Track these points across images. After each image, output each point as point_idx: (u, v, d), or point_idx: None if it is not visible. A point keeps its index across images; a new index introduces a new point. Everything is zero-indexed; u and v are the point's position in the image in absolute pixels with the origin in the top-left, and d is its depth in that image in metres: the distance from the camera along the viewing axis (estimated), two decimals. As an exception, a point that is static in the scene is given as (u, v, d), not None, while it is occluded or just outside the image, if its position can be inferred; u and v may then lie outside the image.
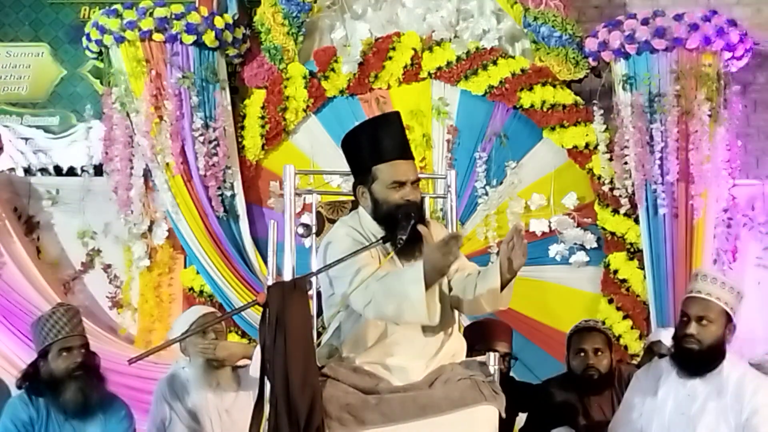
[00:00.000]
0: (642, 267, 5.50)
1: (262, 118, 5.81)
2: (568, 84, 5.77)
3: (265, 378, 2.90)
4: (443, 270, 2.83)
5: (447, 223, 3.81)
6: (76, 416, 3.68)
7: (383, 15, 6.03)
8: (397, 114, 3.21)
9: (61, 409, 3.67)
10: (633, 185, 5.49)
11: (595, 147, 5.63)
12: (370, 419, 2.86)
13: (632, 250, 5.55)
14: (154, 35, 5.59)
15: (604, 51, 5.58)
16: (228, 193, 5.71)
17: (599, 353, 4.19)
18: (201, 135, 5.62)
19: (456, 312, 3.21)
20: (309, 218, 3.86)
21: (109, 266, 5.88)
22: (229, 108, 5.79)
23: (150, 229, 5.77)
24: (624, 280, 5.52)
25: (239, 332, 5.64)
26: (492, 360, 3.22)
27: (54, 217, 5.92)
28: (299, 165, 5.06)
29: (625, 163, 5.50)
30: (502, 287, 2.90)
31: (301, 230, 3.76)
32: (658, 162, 5.42)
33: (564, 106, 5.67)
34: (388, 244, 3.03)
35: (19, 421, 3.67)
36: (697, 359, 3.40)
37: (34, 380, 3.74)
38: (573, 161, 5.71)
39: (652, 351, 4.49)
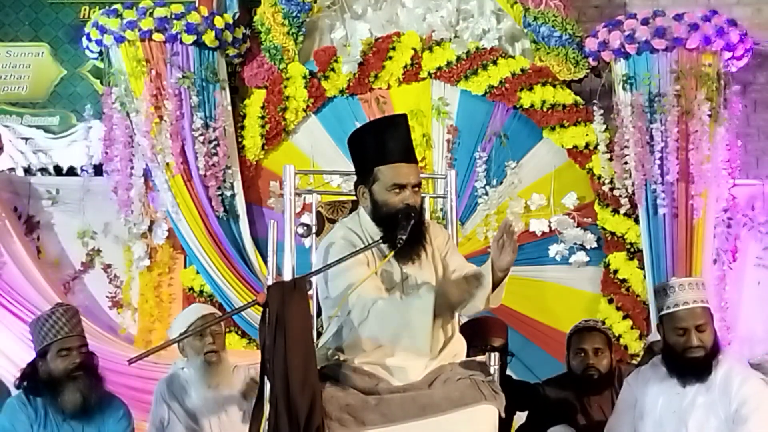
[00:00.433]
0: (642, 267, 5.50)
1: (262, 118, 5.81)
2: (568, 84, 5.77)
3: (265, 378, 2.91)
4: (454, 306, 2.90)
5: (447, 223, 3.81)
6: (74, 417, 3.68)
7: (383, 15, 6.03)
8: (404, 117, 3.20)
9: (60, 410, 3.67)
10: (633, 185, 5.49)
11: (595, 147, 5.63)
12: (370, 419, 2.87)
13: (632, 250, 5.55)
14: (154, 35, 5.59)
15: (604, 51, 5.58)
16: (228, 193, 5.71)
17: (599, 353, 4.19)
18: (201, 135, 5.62)
19: (456, 315, 3.22)
20: (309, 218, 3.86)
21: (109, 266, 5.87)
22: (229, 108, 5.79)
23: (150, 229, 5.77)
24: (624, 280, 5.53)
25: (239, 332, 5.64)
26: (492, 360, 3.22)
27: (54, 216, 5.92)
28: (299, 165, 5.06)
29: (625, 163, 5.50)
30: (495, 285, 2.90)
31: (301, 230, 3.75)
32: (658, 162, 5.42)
33: (564, 106, 5.67)
34: (385, 246, 3.02)
35: (18, 421, 3.67)
36: (704, 363, 3.45)
37: (32, 380, 3.74)
38: (573, 161, 5.71)
39: (652, 351, 4.48)
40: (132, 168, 5.71)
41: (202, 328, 3.87)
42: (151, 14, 5.57)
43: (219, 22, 5.64)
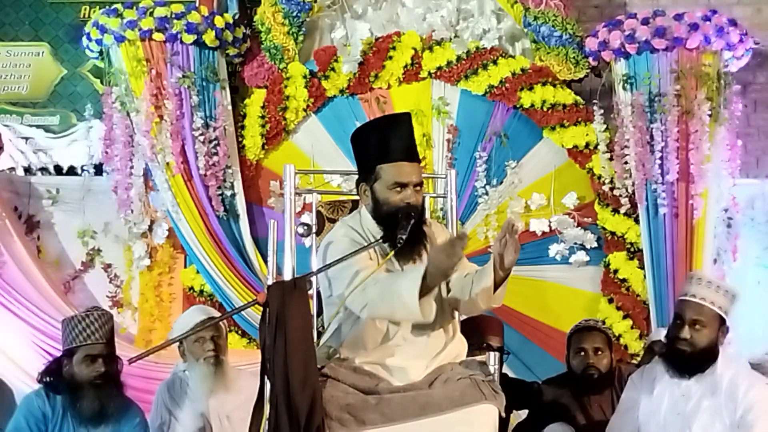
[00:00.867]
0: (642, 267, 5.50)
1: (263, 117, 5.81)
2: (568, 84, 5.77)
3: (265, 378, 2.91)
4: (447, 271, 2.83)
5: (447, 223, 3.81)
6: (91, 422, 3.68)
7: (383, 14, 6.03)
8: (407, 115, 3.20)
9: (77, 414, 3.67)
10: (633, 185, 5.49)
11: (595, 147, 5.63)
12: (370, 419, 2.87)
13: (632, 249, 5.55)
14: (154, 35, 5.59)
15: (604, 51, 5.58)
16: (228, 193, 5.71)
17: (599, 353, 4.20)
18: (201, 134, 5.62)
19: (456, 315, 3.22)
20: (309, 218, 3.86)
21: (109, 266, 5.88)
22: (230, 107, 5.79)
23: (150, 228, 5.77)
24: (624, 280, 5.53)
25: (239, 332, 5.64)
26: (492, 359, 3.23)
27: (54, 216, 5.92)
28: (299, 164, 5.06)
29: (625, 162, 5.50)
30: (497, 286, 2.90)
31: (301, 230, 3.76)
32: (658, 162, 5.42)
33: (564, 106, 5.67)
34: (386, 245, 3.02)
35: (32, 417, 3.67)
36: (689, 361, 3.43)
37: (55, 377, 3.73)
38: (573, 161, 5.71)
39: (652, 351, 4.49)
40: (132, 167, 5.71)
41: (198, 331, 3.85)
42: (151, 14, 5.57)
43: (219, 21, 5.64)
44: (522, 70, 5.72)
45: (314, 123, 5.93)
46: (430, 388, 2.97)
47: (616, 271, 5.55)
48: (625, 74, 5.55)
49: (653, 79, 5.46)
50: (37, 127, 6.46)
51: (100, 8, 6.05)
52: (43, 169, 6.29)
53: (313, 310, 3.40)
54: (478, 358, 3.22)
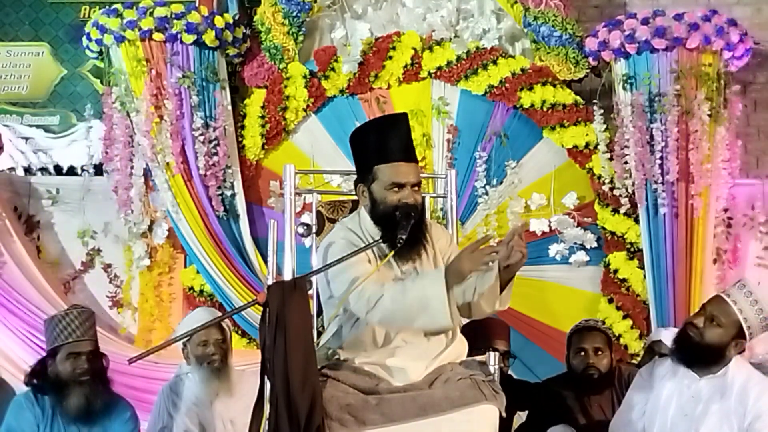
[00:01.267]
0: (642, 267, 5.50)
1: (262, 117, 5.81)
2: (568, 84, 5.77)
3: (265, 378, 2.90)
4: (465, 275, 2.84)
5: (447, 223, 3.81)
6: (79, 420, 3.68)
7: (383, 14, 6.03)
8: (404, 116, 3.19)
9: (64, 412, 3.67)
10: (633, 185, 5.49)
11: (595, 147, 5.63)
12: (370, 419, 2.86)
13: (632, 249, 5.55)
14: (154, 35, 5.59)
15: (604, 51, 5.58)
16: (228, 193, 5.71)
17: (599, 353, 4.19)
18: (201, 134, 5.62)
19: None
20: (309, 218, 3.85)
21: (109, 266, 5.88)
22: (230, 107, 5.79)
23: (150, 228, 5.77)
24: (624, 280, 5.53)
25: (239, 332, 5.64)
26: (492, 359, 3.22)
27: (54, 216, 5.93)
28: (299, 164, 5.06)
29: (626, 162, 5.50)
30: (502, 288, 2.90)
31: (301, 230, 3.76)
32: (658, 161, 5.42)
33: (564, 106, 5.67)
34: (384, 246, 3.02)
35: (24, 419, 3.67)
36: (692, 350, 3.40)
37: (41, 378, 3.73)
38: (573, 161, 5.71)
39: (652, 351, 4.50)
40: (132, 168, 5.71)
41: (198, 331, 3.83)
42: (151, 14, 5.57)
43: (219, 21, 5.64)
44: (522, 70, 5.72)
45: (314, 123, 5.93)
46: (430, 388, 2.97)
47: (616, 271, 5.55)
48: (625, 74, 5.55)
49: (653, 79, 5.46)
50: (37, 127, 6.47)
51: (100, 8, 6.06)
52: (43, 169, 6.29)
53: (313, 310, 3.39)
54: (478, 358, 3.21)
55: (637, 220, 5.53)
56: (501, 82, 5.71)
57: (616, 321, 5.47)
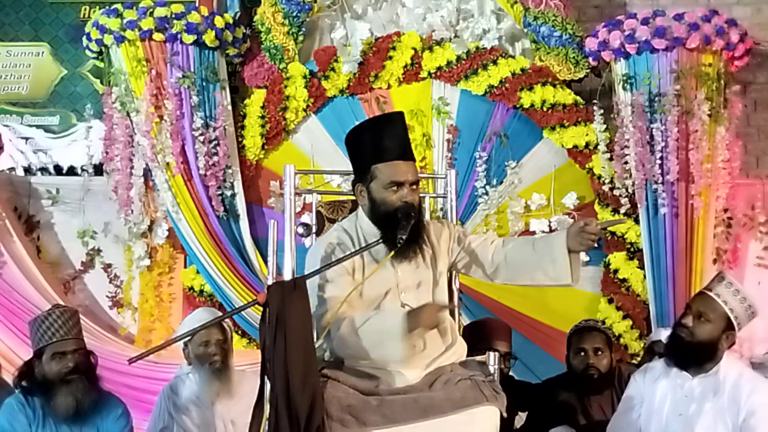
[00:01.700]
0: (642, 267, 5.50)
1: (262, 117, 5.81)
2: (568, 84, 5.77)
3: (265, 378, 2.90)
4: (422, 325, 2.91)
5: (447, 223, 3.80)
6: (69, 418, 3.67)
7: (383, 15, 6.03)
8: (400, 114, 3.19)
9: (53, 412, 3.66)
10: (633, 185, 5.50)
11: (595, 147, 5.63)
12: (371, 420, 2.86)
13: (632, 249, 5.55)
14: (154, 35, 5.59)
15: (604, 51, 5.58)
16: (228, 193, 5.71)
17: (599, 353, 4.19)
18: (201, 135, 5.62)
19: (457, 316, 3.21)
20: (309, 218, 3.85)
21: (109, 266, 5.88)
22: (230, 107, 5.79)
23: (150, 228, 5.77)
24: (624, 280, 5.53)
25: (239, 332, 5.64)
26: (492, 359, 3.22)
27: (54, 216, 5.93)
28: (299, 164, 5.06)
29: (626, 162, 5.50)
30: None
31: (301, 230, 3.75)
32: (658, 161, 5.42)
33: (564, 106, 5.67)
34: (384, 247, 3.02)
35: (16, 421, 3.67)
36: (685, 350, 3.40)
37: (29, 380, 3.73)
38: (573, 161, 5.72)
39: (652, 351, 4.49)
40: (132, 168, 5.71)
41: (198, 331, 3.83)
42: (151, 14, 5.57)
43: (219, 21, 5.64)
44: (522, 70, 5.72)
45: (314, 123, 5.93)
46: (430, 389, 2.97)
47: (616, 271, 5.55)
48: (625, 74, 5.55)
49: (653, 79, 5.46)
50: (37, 127, 6.47)
51: (100, 8, 6.06)
52: (43, 169, 6.29)
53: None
54: (478, 358, 3.21)
55: (637, 220, 5.53)
56: (501, 82, 5.71)
57: (616, 321, 5.47)
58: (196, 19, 5.59)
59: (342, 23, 6.06)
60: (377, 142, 3.05)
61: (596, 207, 5.65)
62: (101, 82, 6.04)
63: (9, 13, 6.58)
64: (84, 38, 5.79)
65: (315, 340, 2.94)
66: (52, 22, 6.58)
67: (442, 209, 4.85)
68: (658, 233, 5.44)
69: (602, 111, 5.64)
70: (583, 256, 5.60)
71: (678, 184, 5.41)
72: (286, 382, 2.78)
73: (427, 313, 2.88)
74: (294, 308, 2.84)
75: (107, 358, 4.44)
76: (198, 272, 5.70)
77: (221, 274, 5.59)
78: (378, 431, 2.86)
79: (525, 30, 5.85)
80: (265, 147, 5.85)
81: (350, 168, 5.21)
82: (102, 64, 5.91)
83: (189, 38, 5.60)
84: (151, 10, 5.58)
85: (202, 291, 5.71)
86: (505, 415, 2.98)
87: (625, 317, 5.50)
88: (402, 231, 2.93)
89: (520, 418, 4.48)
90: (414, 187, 3.03)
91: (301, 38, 5.91)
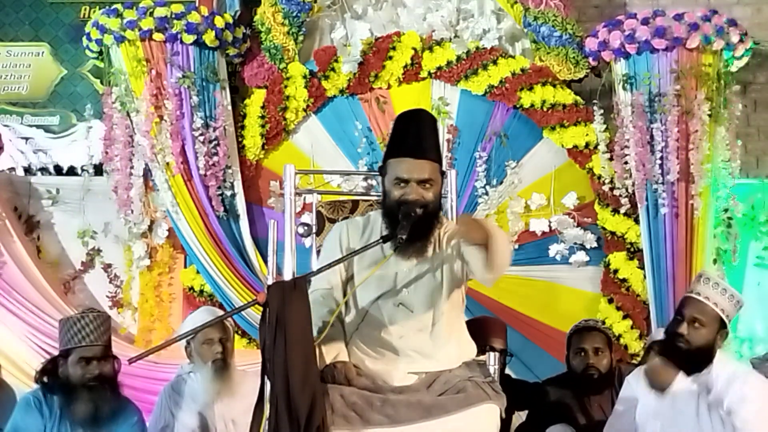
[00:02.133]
0: (642, 267, 5.50)
1: (262, 117, 5.81)
2: (568, 84, 5.77)
3: (265, 378, 2.90)
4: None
5: (447, 223, 3.80)
6: (86, 423, 3.68)
7: (383, 15, 6.03)
8: (424, 113, 3.17)
9: (70, 415, 3.66)
10: (633, 185, 5.50)
11: (595, 147, 5.63)
12: (375, 419, 2.86)
13: (632, 249, 5.55)
14: (154, 35, 5.59)
15: (604, 51, 5.58)
16: (228, 193, 5.71)
17: (599, 353, 4.20)
18: (201, 135, 5.62)
19: (462, 318, 3.21)
20: (309, 218, 3.86)
21: (109, 266, 5.88)
22: (230, 108, 5.79)
23: (150, 228, 5.77)
24: (624, 280, 5.53)
25: (239, 332, 5.64)
26: (492, 360, 3.22)
27: (54, 216, 5.93)
28: (299, 165, 5.06)
29: (626, 162, 5.50)
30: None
31: (301, 230, 3.76)
32: (658, 161, 5.42)
33: (564, 106, 5.67)
34: (388, 244, 3.02)
35: (30, 417, 3.67)
36: (684, 358, 3.41)
37: (51, 378, 3.73)
38: (573, 161, 5.71)
39: (652, 351, 4.49)
40: (132, 168, 5.70)
41: (198, 331, 3.83)
42: (151, 14, 5.57)
43: (219, 21, 5.64)
44: (522, 70, 5.72)
45: (314, 123, 5.93)
46: (428, 389, 2.97)
47: (616, 271, 5.55)
48: (625, 74, 5.55)
49: (653, 79, 5.46)
50: (37, 127, 6.47)
51: (100, 8, 6.06)
52: (43, 169, 6.29)
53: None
54: (478, 358, 3.21)
55: (637, 220, 5.53)
56: (501, 82, 5.71)
57: (616, 321, 5.47)
58: (196, 19, 5.59)
59: (342, 23, 6.06)
60: (395, 137, 3.08)
61: (596, 207, 5.64)
62: (101, 82, 6.04)
63: (9, 13, 6.58)
64: (84, 38, 5.79)
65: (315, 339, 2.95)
66: (52, 22, 6.58)
67: (442, 209, 4.87)
68: (658, 233, 5.44)
69: (602, 111, 5.64)
70: (584, 256, 5.64)
71: (678, 184, 5.41)
72: (286, 382, 2.78)
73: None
74: (294, 308, 2.84)
75: (107, 358, 4.43)
76: (198, 272, 5.70)
77: (221, 274, 5.59)
78: (381, 431, 2.86)
79: (525, 30, 5.85)
80: (265, 147, 5.85)
81: (350, 168, 5.25)
82: (102, 64, 5.91)
83: (189, 38, 5.60)
84: (151, 10, 5.58)
85: (202, 291, 5.71)
86: (503, 415, 2.99)
87: (625, 317, 5.50)
88: (402, 231, 2.93)
89: (518, 417, 4.48)
90: (425, 185, 2.99)
91: (301, 38, 5.91)
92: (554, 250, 5.65)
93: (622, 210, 5.56)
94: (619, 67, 5.59)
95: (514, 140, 5.77)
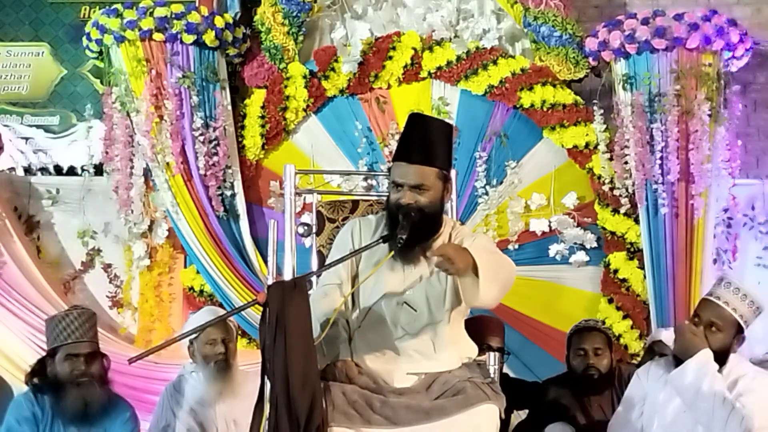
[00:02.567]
0: (642, 267, 5.50)
1: (263, 117, 5.81)
2: (568, 84, 5.77)
3: (265, 378, 2.91)
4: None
5: (447, 223, 3.80)
6: (77, 421, 3.68)
7: (383, 15, 6.03)
8: (424, 118, 3.19)
9: (61, 413, 3.67)
10: (633, 185, 5.50)
11: (595, 147, 5.63)
12: (375, 420, 2.87)
13: (632, 249, 5.55)
14: (154, 35, 5.59)
15: (604, 51, 5.58)
16: (228, 193, 5.71)
17: (599, 353, 4.20)
18: (201, 135, 5.62)
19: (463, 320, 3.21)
20: (309, 218, 3.86)
21: (109, 266, 5.88)
22: (230, 107, 5.79)
23: (150, 228, 5.77)
24: (624, 280, 5.53)
25: (239, 332, 5.62)
26: (491, 360, 3.22)
27: (54, 216, 5.93)
28: (299, 164, 5.06)
29: (626, 162, 5.50)
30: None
31: (301, 230, 3.76)
32: (658, 162, 5.42)
33: (564, 106, 5.67)
34: (387, 246, 3.02)
35: (24, 419, 3.67)
36: None
37: (40, 378, 3.74)
38: (573, 161, 5.72)
39: (652, 351, 4.49)
40: (132, 168, 5.71)
41: (199, 331, 3.83)
42: (151, 14, 5.57)
43: (219, 21, 5.64)
44: (522, 70, 5.72)
45: (314, 123, 5.93)
46: (428, 391, 2.97)
47: (616, 271, 5.55)
48: (625, 74, 5.55)
49: (653, 79, 5.46)
50: (37, 127, 6.47)
51: (100, 8, 6.06)
52: (43, 169, 6.29)
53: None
54: (478, 358, 3.21)
55: (637, 220, 5.53)
56: (501, 82, 5.71)
57: (616, 321, 5.47)
58: (196, 19, 5.59)
59: (342, 23, 6.06)
60: (400, 139, 3.10)
61: (596, 207, 5.64)
62: (101, 82, 6.04)
63: (9, 13, 6.58)
64: (84, 38, 5.79)
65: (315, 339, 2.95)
66: (52, 22, 6.58)
67: (446, 212, 4.88)
68: (658, 233, 5.44)
69: (602, 111, 5.64)
70: (584, 256, 5.64)
71: (678, 184, 5.41)
72: (286, 382, 2.78)
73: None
74: (294, 308, 2.83)
75: (107, 358, 4.43)
76: (198, 272, 5.70)
77: (221, 274, 5.59)
78: (381, 431, 2.86)
79: (525, 30, 5.85)
80: (265, 147, 5.85)
81: (350, 168, 5.25)
82: (102, 64, 5.91)
83: (189, 38, 5.60)
84: (151, 10, 5.58)
85: (202, 291, 5.71)
86: (503, 416, 2.99)
87: (625, 317, 5.50)
88: (402, 231, 2.94)
89: (518, 416, 4.49)
90: (418, 190, 2.99)
91: (301, 38, 5.91)
92: (554, 250, 5.65)
93: (622, 210, 5.56)
94: (619, 67, 5.59)
95: (514, 140, 5.77)
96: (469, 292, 2.85)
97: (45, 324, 3.83)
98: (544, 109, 5.66)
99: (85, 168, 6.02)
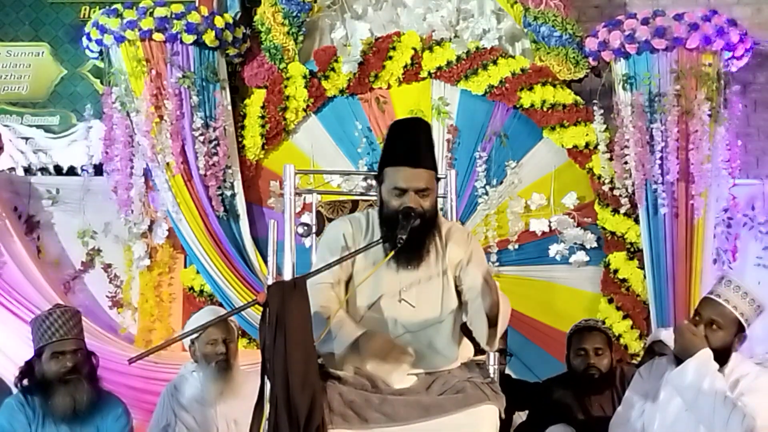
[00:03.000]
0: (642, 267, 5.50)
1: (263, 117, 5.81)
2: (568, 84, 5.77)
3: (265, 378, 2.91)
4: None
5: (447, 223, 3.80)
6: (67, 418, 3.68)
7: (383, 15, 6.03)
8: (419, 121, 3.19)
9: (51, 412, 3.67)
10: (633, 185, 5.49)
11: (595, 147, 5.63)
12: (373, 418, 2.87)
13: (632, 249, 5.55)
14: (154, 35, 5.59)
15: (604, 51, 5.58)
16: (228, 193, 5.71)
17: (599, 353, 4.20)
18: (201, 135, 5.62)
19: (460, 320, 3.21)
20: (309, 218, 3.86)
21: (109, 266, 5.87)
22: (230, 108, 5.79)
23: (150, 228, 5.77)
24: (624, 280, 5.53)
25: (239, 332, 5.62)
26: (491, 360, 3.22)
27: (54, 216, 5.92)
28: (299, 165, 5.07)
29: (625, 162, 5.50)
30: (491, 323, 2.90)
31: (301, 230, 3.76)
32: (658, 162, 5.42)
33: (564, 106, 5.67)
34: (385, 247, 3.02)
35: (16, 421, 3.68)
36: None
37: (29, 379, 3.74)
38: (573, 161, 5.71)
39: (652, 351, 4.49)
40: (132, 168, 5.70)
41: (199, 330, 3.83)
42: (151, 14, 5.57)
43: (219, 21, 5.64)
44: (522, 70, 5.72)
45: (314, 123, 5.93)
46: (427, 390, 2.97)
47: (616, 271, 5.55)
48: (625, 74, 5.55)
49: (653, 79, 5.46)
50: (37, 127, 6.47)
51: (100, 8, 6.06)
52: (43, 169, 6.29)
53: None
54: (477, 358, 3.21)
55: (637, 220, 5.53)
56: (501, 82, 5.71)
57: (616, 321, 5.47)
58: (196, 19, 5.59)
59: (342, 23, 6.06)
60: (391, 146, 3.07)
61: (596, 207, 5.64)
62: (101, 82, 6.03)
63: (9, 13, 6.58)
64: (84, 38, 5.79)
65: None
66: (52, 22, 6.58)
67: (442, 209, 4.87)
68: (658, 233, 5.44)
69: (602, 111, 5.64)
70: (584, 256, 5.64)
71: (678, 184, 5.41)
72: (286, 382, 2.78)
73: (377, 343, 2.92)
74: (294, 308, 2.84)
75: (107, 358, 4.44)
76: (198, 272, 5.70)
77: (221, 274, 5.59)
78: (379, 429, 2.86)
79: (525, 30, 5.85)
80: (265, 147, 5.85)
81: (350, 168, 5.25)
82: (102, 64, 5.91)
83: (189, 38, 5.59)
84: (151, 10, 5.58)
85: (202, 291, 5.71)
86: (503, 416, 2.99)
87: (625, 317, 5.50)
88: (402, 231, 2.94)
89: (519, 417, 4.49)
90: (423, 194, 3.00)
91: (301, 38, 5.91)
92: (554, 250, 5.65)
93: (622, 210, 5.56)
94: (619, 67, 5.59)
95: (514, 140, 5.77)
96: (478, 332, 2.93)
97: (30, 325, 3.83)
98: (544, 109, 5.66)
99: (84, 168, 6.02)
